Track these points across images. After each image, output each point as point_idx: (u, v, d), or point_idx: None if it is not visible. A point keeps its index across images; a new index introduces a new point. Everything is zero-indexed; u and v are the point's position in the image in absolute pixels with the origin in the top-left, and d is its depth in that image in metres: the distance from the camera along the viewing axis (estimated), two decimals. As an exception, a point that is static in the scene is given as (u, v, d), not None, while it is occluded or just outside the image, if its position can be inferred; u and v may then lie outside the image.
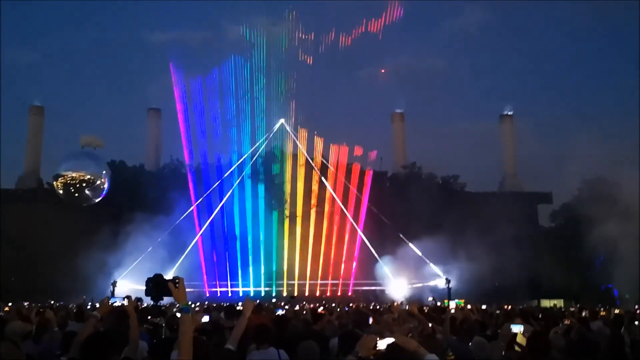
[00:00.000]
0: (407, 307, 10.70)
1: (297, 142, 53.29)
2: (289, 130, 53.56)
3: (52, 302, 31.92)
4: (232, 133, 53.01)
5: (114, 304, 5.25)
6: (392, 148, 70.50)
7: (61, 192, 21.64)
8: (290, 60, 52.89)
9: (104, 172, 22.14)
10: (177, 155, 57.21)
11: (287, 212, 52.87)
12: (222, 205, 50.50)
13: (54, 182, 22.14)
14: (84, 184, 21.22)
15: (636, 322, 11.36)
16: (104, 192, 21.88)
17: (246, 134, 52.99)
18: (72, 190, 21.12)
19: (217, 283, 49.59)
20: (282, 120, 53.68)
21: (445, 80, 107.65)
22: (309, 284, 51.48)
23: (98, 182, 21.61)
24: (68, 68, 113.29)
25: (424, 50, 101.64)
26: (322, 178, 52.32)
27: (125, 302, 6.09)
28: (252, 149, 52.65)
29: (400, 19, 53.36)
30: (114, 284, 37.52)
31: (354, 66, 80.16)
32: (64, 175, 21.72)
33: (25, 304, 25.38)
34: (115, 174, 58.15)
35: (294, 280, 51.23)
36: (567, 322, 9.76)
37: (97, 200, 22.31)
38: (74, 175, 21.30)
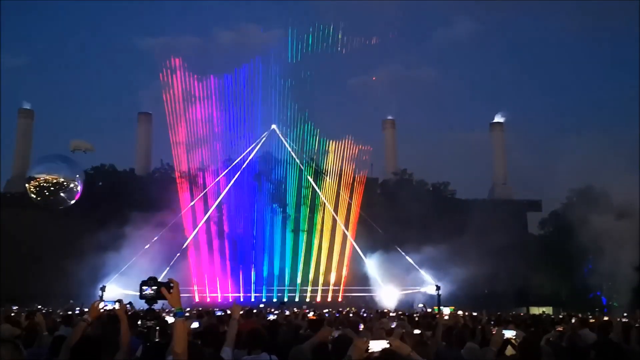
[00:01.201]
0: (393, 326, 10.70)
1: (289, 149, 53.26)
2: (280, 136, 53.55)
3: (40, 306, 31.55)
4: (226, 138, 52.88)
5: (105, 308, 5.21)
6: (383, 154, 70.76)
7: (34, 195, 21.41)
8: (286, 67, 52.88)
9: (77, 175, 21.87)
10: (168, 160, 56.97)
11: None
12: (214, 210, 50.40)
13: (27, 185, 21.86)
14: (58, 187, 20.99)
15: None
16: (78, 194, 21.62)
17: (241, 139, 52.95)
18: (47, 193, 20.90)
19: (207, 288, 49.27)
20: (274, 126, 53.67)
21: (436, 89, 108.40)
22: (300, 289, 51.38)
23: (71, 185, 21.36)
24: (58, 71, 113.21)
25: (416, 59, 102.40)
26: (314, 185, 52.25)
27: (117, 306, 6.03)
28: (245, 153, 52.55)
29: (393, 33, 53.82)
30: (102, 289, 37.20)
31: (345, 74, 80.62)
32: (36, 178, 21.47)
33: (14, 308, 25.16)
34: (105, 178, 58.33)
35: (291, 286, 51.06)
36: (560, 329, 9.78)
37: (71, 202, 22.04)
38: (47, 178, 21.06)
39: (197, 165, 51.62)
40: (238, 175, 51.49)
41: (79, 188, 21.20)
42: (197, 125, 51.17)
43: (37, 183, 20.98)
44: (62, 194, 21.00)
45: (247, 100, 52.34)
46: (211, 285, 49.36)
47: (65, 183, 20.84)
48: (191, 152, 51.17)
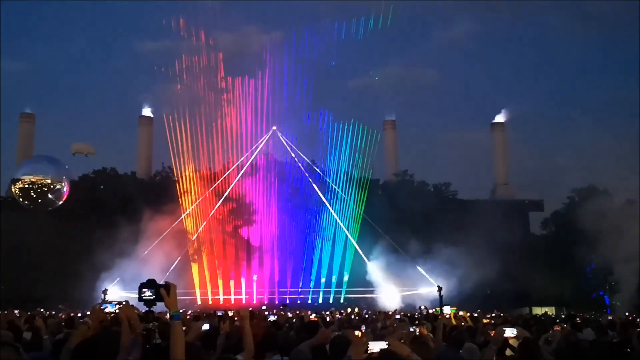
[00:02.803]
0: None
1: (290, 151, 53.34)
2: (280, 138, 53.59)
3: (42, 310, 31.59)
4: (230, 139, 52.87)
5: (105, 310, 5.24)
6: (383, 156, 70.63)
7: (21, 198, 21.30)
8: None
9: (64, 176, 21.75)
10: (169, 163, 56.81)
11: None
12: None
13: (12, 187, 21.78)
14: (45, 188, 20.89)
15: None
16: (65, 194, 21.51)
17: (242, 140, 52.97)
18: (34, 195, 20.80)
19: (209, 291, 49.28)
20: (274, 128, 53.72)
21: (436, 89, 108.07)
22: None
23: (58, 186, 21.26)
24: (59, 75, 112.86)
25: (415, 59, 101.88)
26: (315, 186, 52.21)
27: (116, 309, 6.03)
28: (248, 152, 52.57)
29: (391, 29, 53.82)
30: (105, 292, 37.22)
31: (345, 75, 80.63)
32: (21, 180, 21.34)
33: (16, 311, 25.15)
34: (107, 181, 58.37)
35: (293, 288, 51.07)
36: (556, 328, 9.78)
37: (59, 203, 21.95)
38: (33, 179, 20.95)
39: (212, 165, 51.53)
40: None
41: (65, 189, 21.07)
42: (217, 125, 51.13)
43: (22, 185, 20.82)
44: (49, 195, 20.84)
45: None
46: (215, 288, 49.34)
47: (52, 184, 20.69)
48: (204, 154, 50.94)
